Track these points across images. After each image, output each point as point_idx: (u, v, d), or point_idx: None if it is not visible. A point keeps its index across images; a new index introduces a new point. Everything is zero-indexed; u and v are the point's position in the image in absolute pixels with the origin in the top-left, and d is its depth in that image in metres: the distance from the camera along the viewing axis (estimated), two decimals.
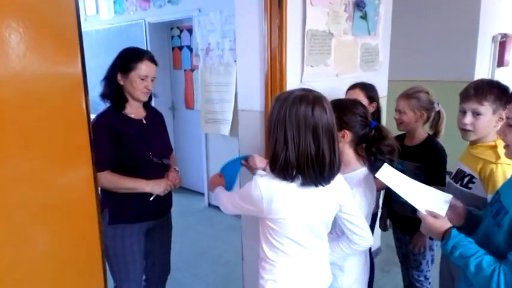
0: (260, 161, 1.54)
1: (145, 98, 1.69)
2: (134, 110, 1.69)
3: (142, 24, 4.13)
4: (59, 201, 0.91)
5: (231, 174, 1.58)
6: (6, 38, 0.78)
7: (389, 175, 1.28)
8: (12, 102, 0.80)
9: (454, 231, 1.10)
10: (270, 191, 1.10)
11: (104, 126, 1.57)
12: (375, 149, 1.35)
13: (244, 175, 1.60)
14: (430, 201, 1.23)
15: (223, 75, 3.46)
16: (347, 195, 1.22)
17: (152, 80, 1.68)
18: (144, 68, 1.62)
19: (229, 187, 1.54)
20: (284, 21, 1.74)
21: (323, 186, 1.11)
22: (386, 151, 1.35)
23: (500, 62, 4.96)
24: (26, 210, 0.84)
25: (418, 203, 1.20)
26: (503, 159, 1.36)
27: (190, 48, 4.02)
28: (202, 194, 4.09)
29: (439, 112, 1.79)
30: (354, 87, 1.98)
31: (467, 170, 1.46)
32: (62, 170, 0.92)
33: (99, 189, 1.49)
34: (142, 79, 1.62)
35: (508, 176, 1.34)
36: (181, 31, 4.15)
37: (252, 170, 1.56)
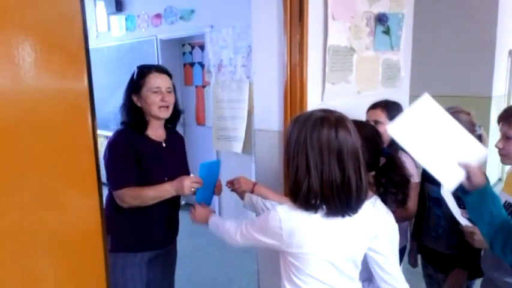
0: (246, 184, 1.49)
1: (165, 114, 1.57)
2: (155, 132, 1.61)
3: (154, 40, 4.10)
4: (63, 226, 0.85)
5: (209, 179, 1.57)
6: (13, 54, 0.72)
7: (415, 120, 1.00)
8: (15, 121, 0.74)
9: None
10: (291, 222, 0.99)
11: (125, 145, 1.51)
12: (385, 179, 1.20)
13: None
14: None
15: (235, 92, 3.39)
16: (376, 227, 1.08)
17: (169, 92, 1.58)
18: (153, 80, 1.54)
19: (206, 196, 1.55)
20: (305, 37, 1.65)
21: (350, 216, 0.99)
22: (398, 183, 1.19)
23: None
24: (28, 236, 0.77)
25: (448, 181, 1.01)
26: None
27: (201, 65, 3.97)
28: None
29: (480, 136, 1.59)
30: (375, 106, 1.79)
31: None
32: (66, 193, 0.85)
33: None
34: (155, 91, 1.53)
35: None
36: (192, 47, 4.11)
37: (239, 193, 1.52)
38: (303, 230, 0.98)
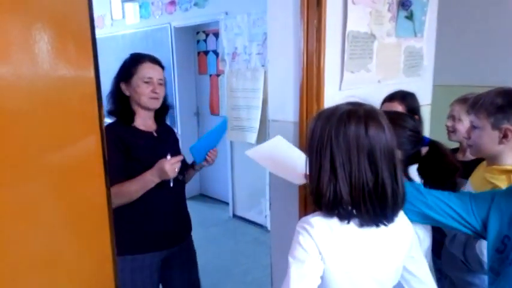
0: None
1: (155, 105, 1.53)
2: (143, 122, 1.54)
3: (168, 28, 4.05)
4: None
5: (211, 139, 1.72)
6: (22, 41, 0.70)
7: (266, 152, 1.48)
8: (19, 109, 0.73)
9: None
10: (325, 236, 0.85)
11: (111, 139, 1.36)
12: (431, 170, 1.11)
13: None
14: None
15: (250, 81, 3.31)
16: (411, 234, 0.97)
17: (161, 84, 1.52)
18: (145, 69, 1.48)
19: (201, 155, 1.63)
20: (323, 22, 1.56)
21: (386, 225, 0.87)
22: (446, 172, 1.10)
23: None
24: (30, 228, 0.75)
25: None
26: None
27: (216, 53, 3.90)
28: (227, 204, 3.93)
29: None
30: (391, 99, 1.68)
31: None
32: (72, 183, 0.85)
33: None
34: (147, 82, 1.48)
35: None
36: (207, 35, 4.04)
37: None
38: (340, 243, 0.86)
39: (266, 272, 1.98)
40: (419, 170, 1.15)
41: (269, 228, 2.93)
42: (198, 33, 4.12)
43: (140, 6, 4.40)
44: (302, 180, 1.20)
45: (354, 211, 0.85)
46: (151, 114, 1.56)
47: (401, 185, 0.86)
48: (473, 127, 1.20)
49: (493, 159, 1.19)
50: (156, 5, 4.20)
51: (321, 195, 0.84)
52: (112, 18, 4.82)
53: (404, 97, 1.69)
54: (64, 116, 0.85)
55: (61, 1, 0.83)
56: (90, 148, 0.92)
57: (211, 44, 4.00)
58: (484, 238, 0.98)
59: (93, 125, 0.93)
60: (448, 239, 1.23)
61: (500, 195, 0.98)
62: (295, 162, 1.35)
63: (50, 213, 0.82)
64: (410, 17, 1.98)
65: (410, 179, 1.14)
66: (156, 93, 1.50)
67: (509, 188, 1.01)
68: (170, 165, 1.40)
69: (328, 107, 0.92)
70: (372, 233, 0.88)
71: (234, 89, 3.46)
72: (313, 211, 0.91)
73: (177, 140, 1.70)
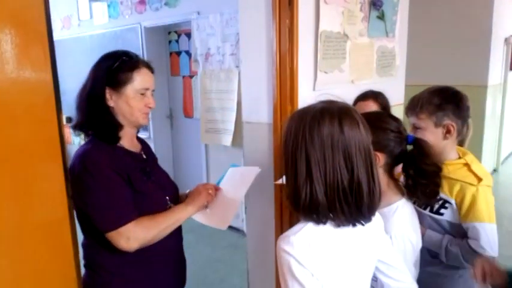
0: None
1: (146, 122, 1.24)
2: (130, 142, 1.24)
3: (138, 28, 3.92)
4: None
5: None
6: None
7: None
8: None
9: None
10: (306, 251, 0.81)
11: (108, 165, 1.11)
12: (414, 170, 1.06)
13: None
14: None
15: (224, 82, 3.25)
16: (384, 236, 0.97)
17: (152, 95, 1.25)
18: (142, 78, 1.18)
19: None
20: (295, 22, 1.53)
21: (363, 225, 0.85)
22: (430, 172, 1.06)
23: None
24: None
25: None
26: (485, 180, 1.17)
27: (188, 54, 3.81)
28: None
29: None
30: (365, 98, 1.67)
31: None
32: (31, 182, 0.83)
33: (96, 267, 1.18)
34: (142, 93, 1.19)
35: (490, 201, 1.16)
36: (179, 35, 3.94)
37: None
38: (321, 248, 0.83)
39: (243, 277, 1.93)
40: (403, 169, 1.12)
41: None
42: (169, 33, 4.02)
43: (108, 6, 4.25)
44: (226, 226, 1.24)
45: (330, 214, 0.82)
46: (135, 131, 1.28)
47: (377, 183, 0.84)
48: (415, 128, 1.25)
49: (438, 156, 1.21)
50: (125, 4, 4.06)
51: (298, 198, 0.81)
52: (79, 19, 4.63)
53: (376, 95, 1.69)
54: (17, 121, 0.80)
55: (14, 1, 0.78)
56: (48, 155, 0.87)
57: (183, 44, 3.91)
58: None
59: (52, 130, 0.88)
60: (442, 255, 1.21)
61: None
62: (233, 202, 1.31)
63: (4, 223, 0.78)
64: (381, 16, 1.99)
65: (395, 180, 1.12)
66: (150, 108, 1.21)
67: None
68: (204, 195, 1.25)
69: (301, 107, 0.90)
70: (349, 232, 0.85)
71: (208, 90, 3.39)
72: (290, 214, 0.87)
73: (155, 157, 1.40)
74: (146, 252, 1.14)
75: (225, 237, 3.24)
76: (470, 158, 1.25)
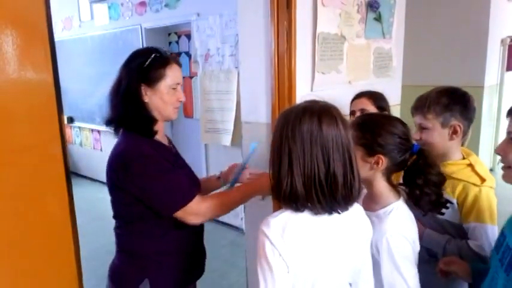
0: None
1: (176, 115, 1.30)
2: (161, 136, 1.30)
3: (139, 29, 3.95)
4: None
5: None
6: None
7: None
8: None
9: None
10: (281, 227, 0.88)
11: (154, 155, 1.19)
12: (421, 180, 1.06)
13: None
14: None
15: (223, 83, 3.28)
16: (370, 233, 1.00)
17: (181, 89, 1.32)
18: (173, 73, 1.24)
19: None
20: (293, 24, 1.56)
21: (339, 213, 0.91)
22: (435, 182, 1.06)
23: (510, 66, 4.80)
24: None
25: None
26: (489, 181, 1.18)
27: (188, 55, 3.84)
28: None
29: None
30: (359, 96, 1.70)
31: None
32: (33, 185, 0.84)
33: (133, 252, 1.26)
34: (174, 88, 1.25)
35: (492, 202, 1.17)
36: (179, 37, 3.97)
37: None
38: (292, 230, 0.89)
39: (243, 275, 1.96)
40: (404, 179, 1.11)
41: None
42: (169, 34, 4.05)
43: (109, 7, 4.28)
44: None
45: (308, 203, 0.89)
46: (165, 125, 1.35)
47: (357, 176, 0.90)
48: (422, 128, 1.26)
49: (443, 156, 1.24)
50: (125, 6, 4.10)
51: (280, 188, 0.89)
52: (80, 20, 4.66)
53: (372, 94, 1.71)
54: (19, 122, 0.82)
55: (15, 2, 0.79)
56: (51, 155, 0.89)
57: (183, 45, 3.94)
58: None
59: (53, 130, 0.89)
60: (440, 254, 1.22)
61: None
62: None
63: (4, 223, 0.78)
64: (378, 18, 2.02)
65: (394, 186, 1.11)
66: (181, 101, 1.28)
67: None
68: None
69: (288, 107, 0.99)
70: (326, 220, 0.91)
71: (208, 91, 3.42)
72: None
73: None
74: (181, 242, 1.27)
75: (224, 236, 3.27)
76: (474, 158, 1.25)
